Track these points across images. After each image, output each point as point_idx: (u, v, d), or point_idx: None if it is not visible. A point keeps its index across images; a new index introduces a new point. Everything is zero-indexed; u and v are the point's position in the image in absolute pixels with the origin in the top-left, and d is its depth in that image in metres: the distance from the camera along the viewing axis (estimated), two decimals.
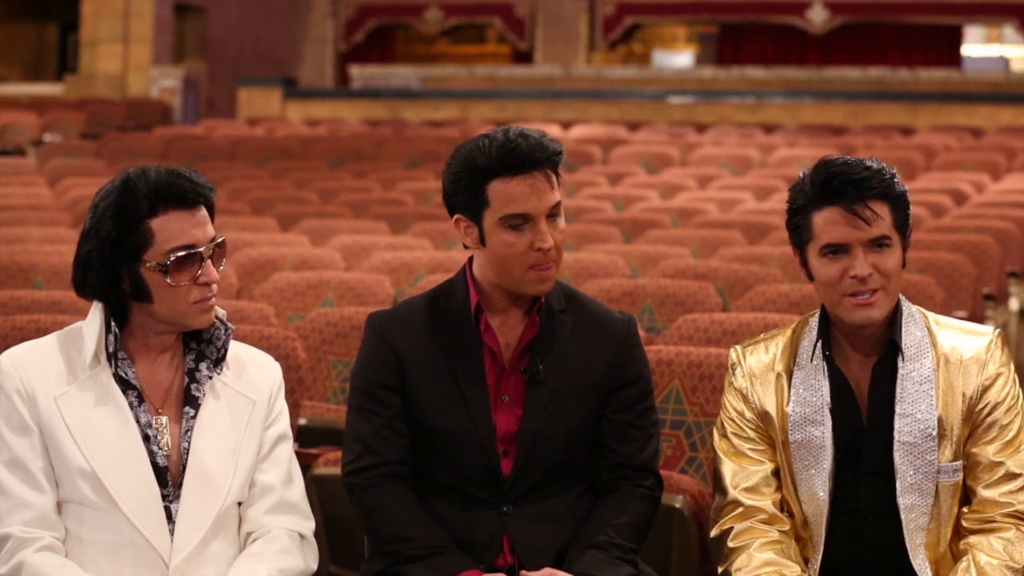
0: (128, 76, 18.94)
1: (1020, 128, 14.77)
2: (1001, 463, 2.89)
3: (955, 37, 21.01)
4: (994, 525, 2.88)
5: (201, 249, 2.74)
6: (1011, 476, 2.89)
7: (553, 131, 14.69)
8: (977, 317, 6.44)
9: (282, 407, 2.92)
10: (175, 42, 19.86)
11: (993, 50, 22.95)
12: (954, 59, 20.53)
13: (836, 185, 2.86)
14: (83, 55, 19.29)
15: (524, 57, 21.64)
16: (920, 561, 2.89)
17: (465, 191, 2.97)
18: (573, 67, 19.70)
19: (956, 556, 2.91)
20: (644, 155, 12.52)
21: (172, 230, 2.72)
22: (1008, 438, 2.91)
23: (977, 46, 23.16)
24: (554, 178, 2.96)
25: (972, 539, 2.88)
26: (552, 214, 2.96)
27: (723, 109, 16.83)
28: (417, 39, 24.07)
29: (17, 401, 2.72)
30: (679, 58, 21.90)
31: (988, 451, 2.91)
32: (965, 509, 2.92)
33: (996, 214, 8.61)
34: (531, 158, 2.93)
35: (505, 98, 17.77)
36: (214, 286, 2.77)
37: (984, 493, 2.90)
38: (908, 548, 2.89)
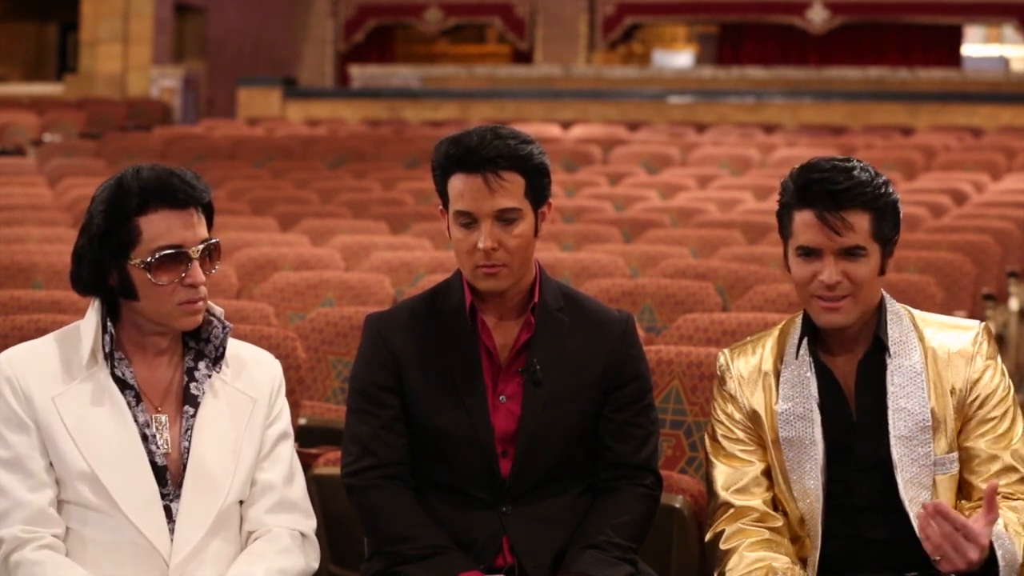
0: (128, 76, 18.94)
1: (1020, 128, 14.78)
2: (996, 456, 2.92)
3: (955, 37, 21.01)
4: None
5: (188, 250, 2.74)
6: (1008, 469, 2.91)
7: (553, 131, 14.71)
8: (977, 317, 6.43)
9: (283, 405, 2.92)
10: (175, 42, 19.87)
11: (993, 50, 22.96)
12: (954, 59, 20.54)
13: (814, 191, 2.86)
14: (83, 55, 19.29)
15: (524, 57, 21.65)
16: None
17: (437, 183, 3.00)
18: (573, 67, 19.70)
19: None
20: (644, 155, 12.53)
21: (159, 229, 2.72)
22: (1001, 431, 2.93)
23: (977, 46, 23.17)
24: (503, 182, 2.91)
25: None
26: (504, 218, 2.93)
27: (723, 109, 16.84)
28: (417, 39, 24.07)
29: (13, 401, 2.72)
30: (679, 58, 21.93)
31: (981, 444, 2.93)
32: (965, 503, 2.93)
33: (996, 214, 8.62)
34: (473, 156, 2.91)
35: (505, 98, 17.78)
36: (202, 288, 2.75)
37: (983, 485, 2.90)
38: (921, 539, 2.89)
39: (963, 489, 2.95)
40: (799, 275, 2.92)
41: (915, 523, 2.90)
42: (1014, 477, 2.91)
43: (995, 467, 2.91)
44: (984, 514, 2.68)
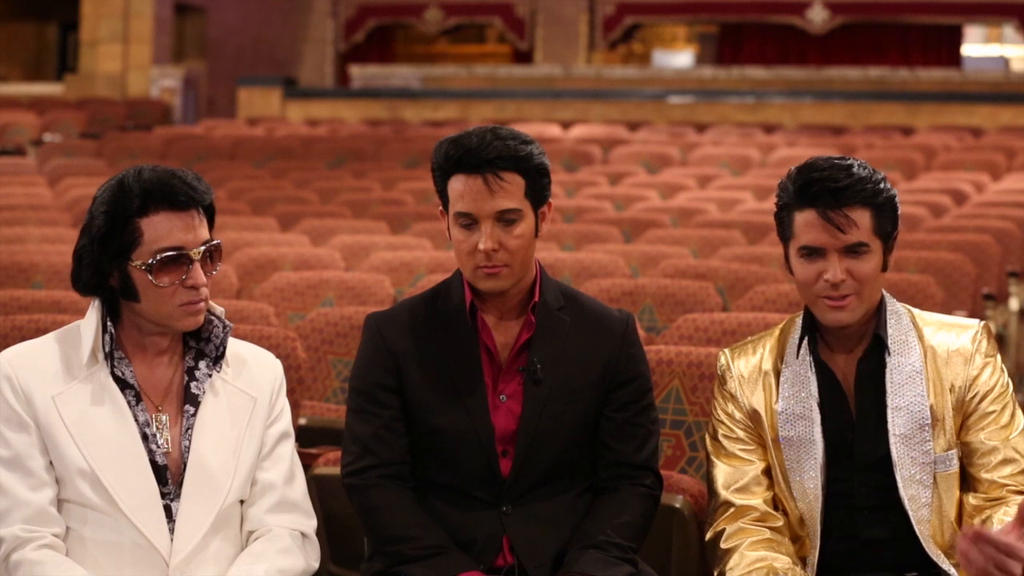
0: (128, 76, 18.94)
1: (1020, 128, 14.78)
2: (996, 448, 2.93)
3: (955, 37, 21.01)
4: (1003, 501, 2.90)
5: (189, 251, 2.74)
6: (1008, 461, 2.93)
7: (553, 131, 14.70)
8: (977, 317, 6.43)
9: (284, 405, 2.92)
10: (175, 42, 19.87)
11: (993, 50, 22.96)
12: (954, 59, 20.54)
13: (815, 191, 2.88)
14: (83, 55, 19.29)
15: (524, 57, 21.65)
16: (933, 550, 2.90)
17: (437, 184, 3.01)
18: (573, 67, 19.70)
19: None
20: (644, 155, 12.53)
21: (160, 231, 2.72)
22: (1002, 423, 2.95)
23: (977, 46, 23.17)
24: (503, 183, 2.92)
25: (989, 512, 2.88)
26: (505, 219, 2.94)
27: (723, 109, 16.84)
28: (417, 39, 24.07)
29: (13, 400, 2.73)
30: (679, 58, 21.92)
31: (981, 437, 2.94)
32: (969, 495, 2.94)
33: (996, 214, 8.62)
34: (473, 157, 2.92)
35: (505, 98, 17.78)
36: (203, 290, 2.76)
37: (986, 476, 2.94)
38: (920, 538, 2.90)
39: (968, 483, 2.96)
40: (803, 275, 2.92)
41: (915, 523, 2.91)
42: (1015, 469, 2.93)
43: (995, 459, 2.93)
44: (1015, 527, 2.66)
